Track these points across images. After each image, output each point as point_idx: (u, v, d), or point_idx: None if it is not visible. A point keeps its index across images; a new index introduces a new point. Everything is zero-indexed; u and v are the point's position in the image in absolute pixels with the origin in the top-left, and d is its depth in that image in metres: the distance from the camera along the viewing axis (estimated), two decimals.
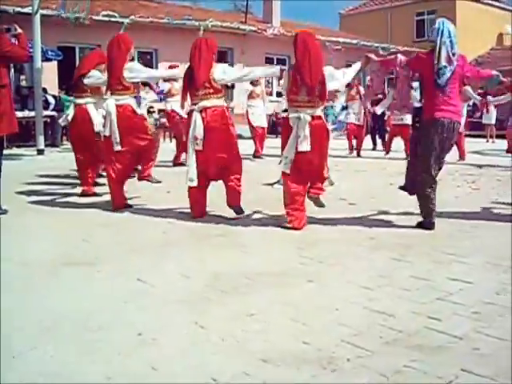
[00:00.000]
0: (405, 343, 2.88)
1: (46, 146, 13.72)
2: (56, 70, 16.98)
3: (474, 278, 3.95)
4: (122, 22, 16.92)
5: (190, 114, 5.87)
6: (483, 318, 3.20)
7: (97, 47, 17.52)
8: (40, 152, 12.85)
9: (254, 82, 12.19)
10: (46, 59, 14.58)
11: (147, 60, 19.18)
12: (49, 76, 15.59)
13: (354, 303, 3.45)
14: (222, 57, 20.78)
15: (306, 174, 5.57)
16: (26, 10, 14.59)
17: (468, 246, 4.93)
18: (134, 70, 6.43)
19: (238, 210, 5.96)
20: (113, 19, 17.10)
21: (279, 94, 21.73)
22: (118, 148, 6.27)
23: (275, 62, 22.64)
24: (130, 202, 6.65)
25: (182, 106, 6.28)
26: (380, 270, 4.13)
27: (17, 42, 6.28)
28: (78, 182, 8.04)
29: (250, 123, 12.61)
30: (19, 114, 14.65)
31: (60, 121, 7.20)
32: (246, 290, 3.72)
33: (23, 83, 16.92)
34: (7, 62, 6.30)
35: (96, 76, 7.08)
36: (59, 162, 11.27)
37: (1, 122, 6.00)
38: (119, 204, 6.46)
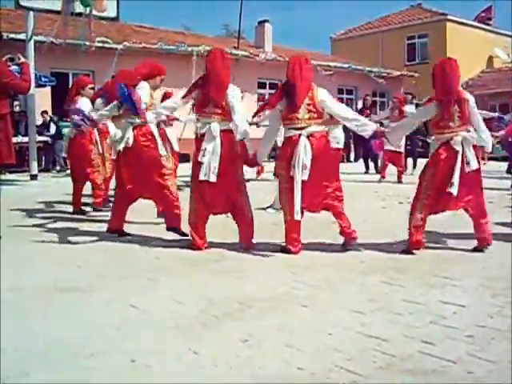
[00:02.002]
0: (398, 368, 2.89)
1: (40, 171, 13.77)
2: (49, 96, 17.01)
3: (467, 301, 3.96)
4: (116, 48, 17.04)
5: (289, 138, 5.52)
6: (477, 342, 3.21)
7: (90, 73, 17.69)
8: (33, 177, 12.85)
9: None
10: (39, 85, 14.63)
11: None
12: (42, 102, 15.64)
13: (347, 328, 3.45)
14: None
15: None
16: (20, 36, 14.68)
17: (461, 268, 4.94)
18: (235, 96, 5.68)
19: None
20: (106, 45, 17.19)
21: None
22: (213, 179, 5.56)
23: (267, 87, 22.83)
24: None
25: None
26: (372, 295, 4.14)
27: (20, 73, 6.32)
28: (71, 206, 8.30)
29: None
30: (13, 139, 14.72)
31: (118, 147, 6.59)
32: (240, 315, 3.72)
33: (16, 108, 16.96)
34: (8, 93, 6.30)
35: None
36: (53, 188, 11.29)
37: None
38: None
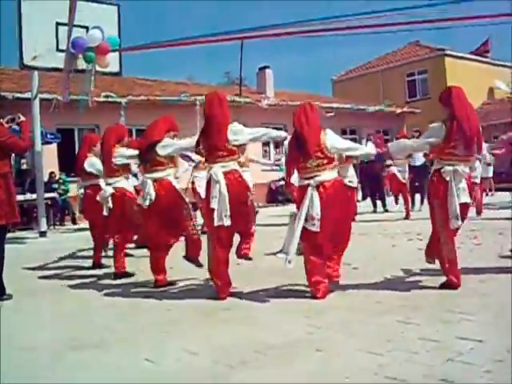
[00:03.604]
0: None
1: (49, 227, 13.84)
2: (56, 152, 17.20)
3: (484, 335, 3.91)
4: (120, 102, 17.27)
5: (300, 187, 5.52)
6: (495, 377, 3.16)
7: (95, 128, 17.90)
8: (42, 234, 12.90)
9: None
10: (45, 142, 14.82)
11: None
12: (49, 159, 15.77)
13: (365, 370, 3.40)
14: None
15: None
16: (25, 95, 14.92)
17: (476, 302, 4.89)
18: (238, 132, 5.75)
19: None
20: (110, 99, 17.43)
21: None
22: (228, 223, 5.58)
23: None
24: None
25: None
26: (388, 335, 4.09)
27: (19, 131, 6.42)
28: (82, 261, 8.34)
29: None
30: (20, 197, 14.84)
31: (139, 201, 6.45)
32: (256, 363, 3.67)
33: (24, 166, 17.14)
34: (8, 152, 6.38)
35: (176, 145, 6.36)
36: (63, 244, 11.31)
37: (1, 210, 6.05)
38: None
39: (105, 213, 7.27)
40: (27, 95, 14.20)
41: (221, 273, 5.69)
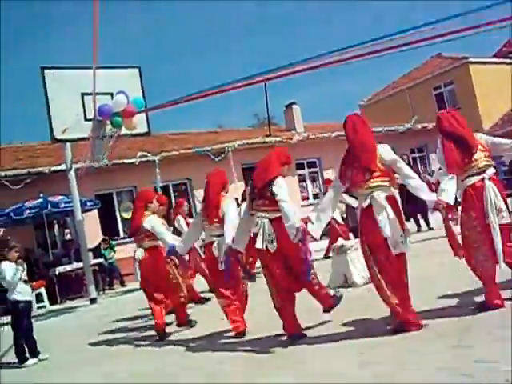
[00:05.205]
0: None
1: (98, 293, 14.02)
2: (97, 218, 17.49)
3: None
4: (154, 160, 17.55)
5: (366, 209, 5.15)
6: None
7: (132, 189, 18.19)
8: (93, 301, 13.03)
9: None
10: (85, 210, 15.10)
11: (182, 191, 19.68)
12: (90, 226, 15.99)
13: None
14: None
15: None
16: (60, 167, 15.28)
17: None
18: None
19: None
20: (144, 159, 17.71)
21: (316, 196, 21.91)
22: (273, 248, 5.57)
23: (305, 166, 22.99)
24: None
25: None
26: (444, 361, 3.98)
27: None
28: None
29: None
30: (67, 267, 15.15)
31: (259, 245, 5.65)
32: None
33: (68, 237, 17.48)
34: None
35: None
36: (113, 309, 11.43)
37: None
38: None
39: (222, 267, 6.24)
40: (62, 167, 14.53)
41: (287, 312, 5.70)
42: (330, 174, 22.89)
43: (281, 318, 5.74)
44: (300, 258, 5.51)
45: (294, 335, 5.61)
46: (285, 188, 5.57)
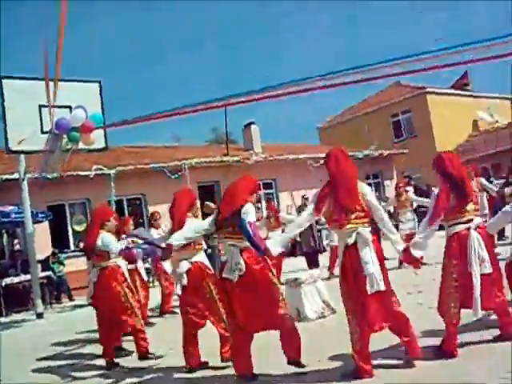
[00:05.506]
0: None
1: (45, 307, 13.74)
2: (48, 229, 17.18)
3: None
4: (109, 174, 17.33)
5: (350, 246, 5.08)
6: None
7: (85, 201, 17.95)
8: (39, 316, 12.74)
9: None
10: (36, 221, 14.81)
11: (136, 206, 19.51)
12: (41, 237, 15.72)
13: None
14: (209, 190, 21.15)
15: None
16: (13, 176, 14.93)
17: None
18: None
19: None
20: (99, 172, 17.47)
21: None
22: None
23: (262, 187, 23.04)
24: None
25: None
26: None
27: None
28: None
29: None
30: (15, 279, 14.81)
31: (226, 274, 5.46)
32: None
33: (17, 247, 17.12)
34: None
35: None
36: (61, 325, 11.22)
37: None
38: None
39: (178, 291, 6.17)
40: (16, 176, 14.20)
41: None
42: (285, 197, 23.04)
43: (231, 355, 5.62)
44: (269, 288, 5.35)
45: (245, 376, 5.41)
46: (252, 213, 5.42)
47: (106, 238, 7.01)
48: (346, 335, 5.16)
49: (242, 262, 5.31)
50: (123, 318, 7.00)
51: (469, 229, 5.30)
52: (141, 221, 19.20)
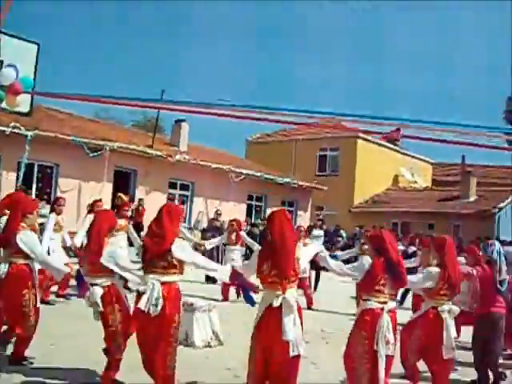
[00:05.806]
0: None
1: None
2: None
3: None
4: (26, 136, 16.54)
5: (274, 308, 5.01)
6: None
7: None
8: None
9: None
10: None
11: (47, 174, 18.72)
12: None
13: None
14: (126, 177, 20.63)
15: None
16: None
17: None
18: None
19: None
20: (15, 130, 16.62)
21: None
22: None
23: (178, 188, 22.74)
24: None
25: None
26: None
27: None
28: None
29: None
30: None
31: (142, 306, 5.34)
32: None
33: None
34: None
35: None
36: None
37: None
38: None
39: (95, 319, 5.86)
40: None
41: None
42: (199, 202, 22.83)
43: None
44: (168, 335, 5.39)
45: None
46: (188, 248, 5.58)
47: (31, 239, 6.40)
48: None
49: (161, 299, 5.27)
50: (14, 326, 6.47)
51: (382, 309, 5.37)
52: (48, 190, 18.52)
